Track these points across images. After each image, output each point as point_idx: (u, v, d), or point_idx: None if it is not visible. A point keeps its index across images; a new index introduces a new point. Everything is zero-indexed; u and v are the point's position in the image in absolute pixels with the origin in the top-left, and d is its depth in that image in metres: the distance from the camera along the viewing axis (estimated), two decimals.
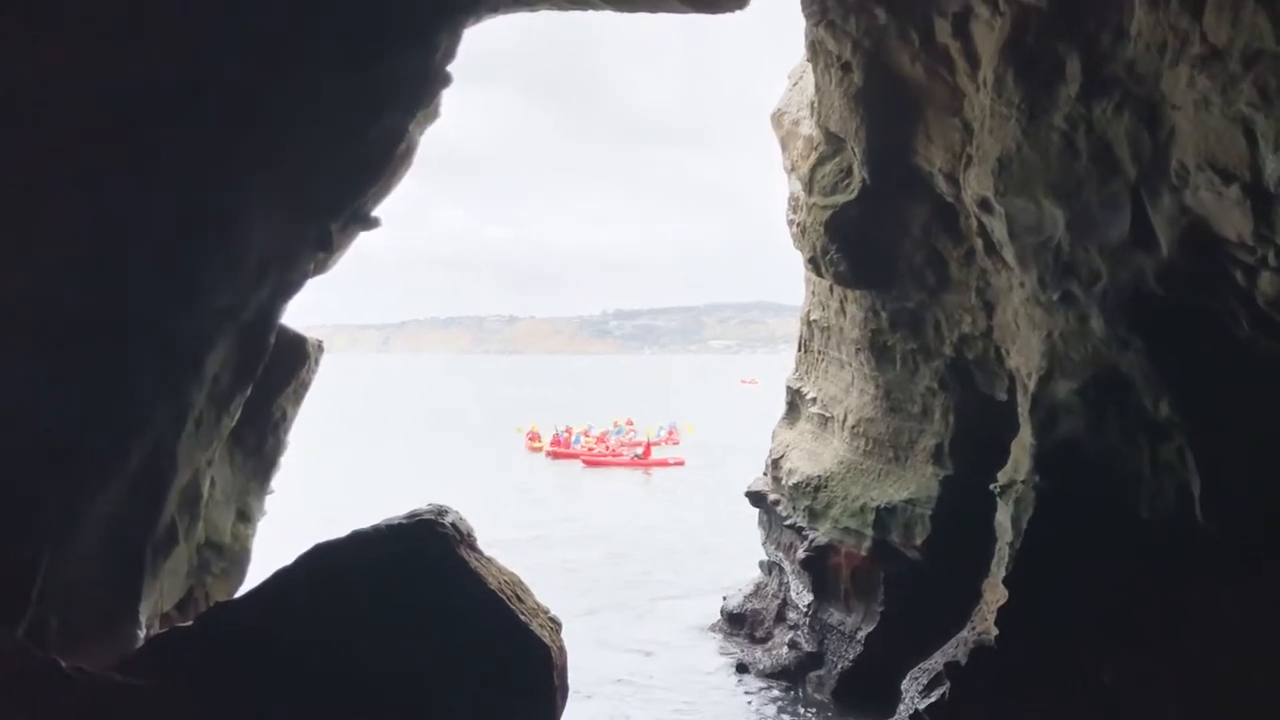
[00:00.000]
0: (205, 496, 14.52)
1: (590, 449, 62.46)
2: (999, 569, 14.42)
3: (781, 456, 21.99)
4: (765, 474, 22.92)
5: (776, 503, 21.40)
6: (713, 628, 22.89)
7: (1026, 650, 13.11)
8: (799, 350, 23.28)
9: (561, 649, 12.56)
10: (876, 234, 17.34)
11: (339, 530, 13.00)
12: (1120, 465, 12.98)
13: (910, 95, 15.37)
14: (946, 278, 16.73)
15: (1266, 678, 11.84)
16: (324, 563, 12.15)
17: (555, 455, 62.15)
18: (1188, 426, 12.31)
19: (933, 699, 14.11)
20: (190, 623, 12.50)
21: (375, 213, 15.19)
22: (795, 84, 20.94)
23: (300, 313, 24.73)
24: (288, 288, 14.21)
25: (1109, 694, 12.51)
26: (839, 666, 18.24)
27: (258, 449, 16.15)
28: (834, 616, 18.90)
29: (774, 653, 20.18)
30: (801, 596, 19.89)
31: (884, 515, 17.88)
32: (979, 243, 15.26)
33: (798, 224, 19.69)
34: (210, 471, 14.62)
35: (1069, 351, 13.37)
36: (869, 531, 18.07)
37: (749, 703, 18.51)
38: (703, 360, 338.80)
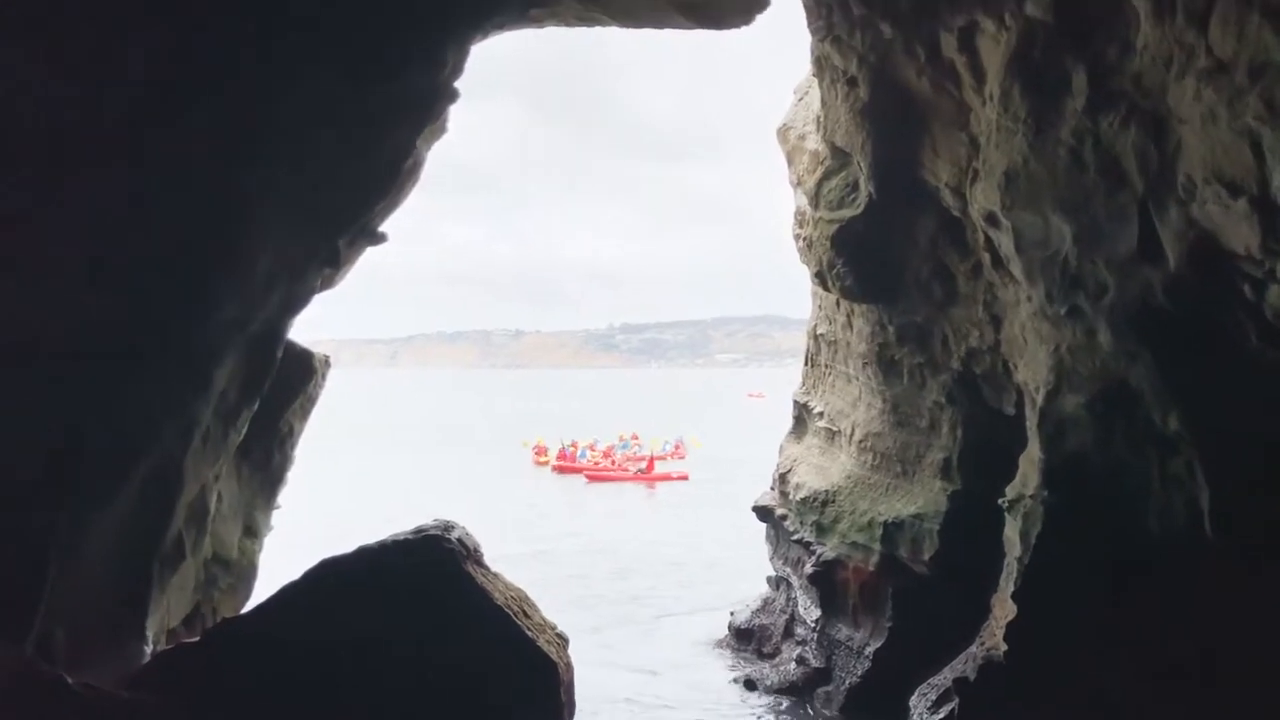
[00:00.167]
0: (212, 511, 14.52)
1: (596, 463, 62.35)
2: (1008, 584, 14.34)
3: (789, 471, 21.92)
4: (772, 488, 22.85)
5: (784, 517, 21.32)
6: (720, 643, 22.78)
7: (1035, 666, 13.02)
8: (806, 364, 23.23)
9: (569, 664, 12.54)
10: (883, 248, 17.31)
11: (345, 545, 13.00)
12: (1129, 479, 12.93)
13: (916, 109, 15.37)
14: (954, 292, 16.70)
15: (1278, 695, 11.74)
16: (330, 578, 12.17)
17: (561, 470, 62.09)
18: (1196, 440, 12.27)
19: (941, 715, 14.03)
20: (197, 638, 12.50)
21: (383, 228, 15.26)
22: (801, 99, 20.97)
23: (307, 328, 24.76)
24: (295, 302, 14.26)
25: (1118, 710, 12.42)
26: (847, 682, 18.13)
27: (265, 464, 16.18)
28: (842, 632, 18.81)
29: (782, 668, 20.07)
30: (809, 612, 19.80)
31: (892, 530, 17.80)
32: (986, 257, 15.24)
33: (804, 238, 19.68)
34: (217, 486, 14.62)
35: (1077, 365, 13.34)
36: (877, 546, 17.99)
37: (757, 719, 18.42)
38: (709, 374, 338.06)
